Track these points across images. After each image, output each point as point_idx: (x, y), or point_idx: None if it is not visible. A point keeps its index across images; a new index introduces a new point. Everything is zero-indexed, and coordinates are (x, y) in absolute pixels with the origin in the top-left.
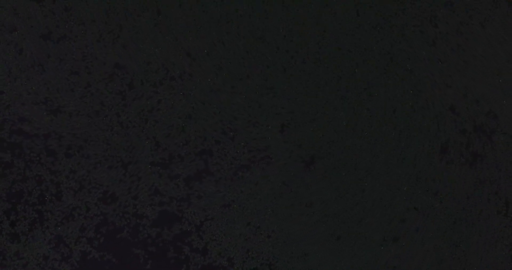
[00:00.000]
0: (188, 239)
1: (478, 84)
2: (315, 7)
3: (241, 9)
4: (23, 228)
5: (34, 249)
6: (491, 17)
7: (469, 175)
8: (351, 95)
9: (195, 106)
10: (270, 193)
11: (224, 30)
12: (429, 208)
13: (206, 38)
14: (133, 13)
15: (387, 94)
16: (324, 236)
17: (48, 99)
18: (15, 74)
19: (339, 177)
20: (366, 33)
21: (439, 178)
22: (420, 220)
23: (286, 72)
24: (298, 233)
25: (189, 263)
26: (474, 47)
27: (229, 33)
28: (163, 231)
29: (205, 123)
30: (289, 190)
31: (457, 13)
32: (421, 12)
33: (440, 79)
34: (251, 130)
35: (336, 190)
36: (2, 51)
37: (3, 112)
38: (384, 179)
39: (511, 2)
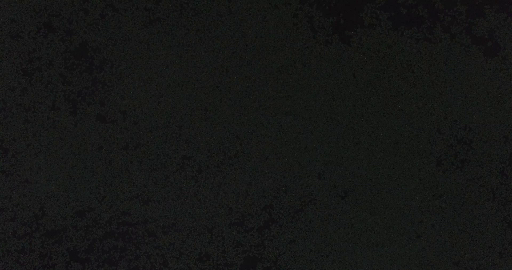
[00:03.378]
0: None
1: (452, 108)
2: (321, 80)
3: (266, 94)
4: None
5: None
6: (448, 56)
7: (461, 177)
8: (364, 140)
9: (253, 175)
10: (321, 225)
11: (259, 113)
12: (438, 208)
13: (247, 122)
14: (187, 114)
15: (389, 132)
16: (366, 246)
17: (139, 194)
18: (110, 180)
19: (368, 202)
20: (363, 90)
21: (440, 184)
22: (434, 219)
23: (313, 134)
24: (347, 249)
25: None
26: (443, 81)
27: (264, 115)
28: None
29: (263, 185)
30: (334, 220)
31: (425, 58)
32: (399, 64)
33: (425, 110)
34: (297, 183)
35: (368, 212)
36: (96, 166)
37: (108, 211)
38: (400, 194)
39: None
